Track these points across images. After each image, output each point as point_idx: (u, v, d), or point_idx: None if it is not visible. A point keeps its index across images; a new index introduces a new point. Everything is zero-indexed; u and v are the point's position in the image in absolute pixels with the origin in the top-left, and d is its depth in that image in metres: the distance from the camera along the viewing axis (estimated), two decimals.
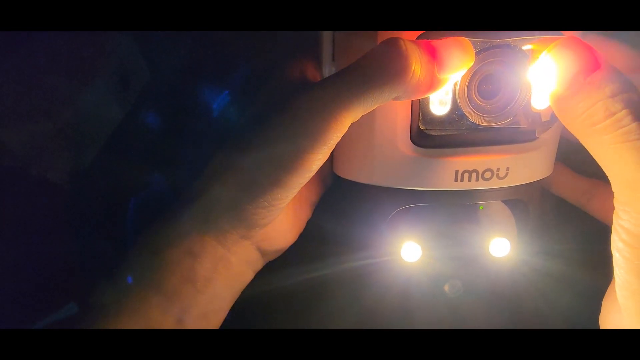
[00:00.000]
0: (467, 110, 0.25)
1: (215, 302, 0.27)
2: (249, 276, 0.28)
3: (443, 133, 0.26)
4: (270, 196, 0.24)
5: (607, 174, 0.22)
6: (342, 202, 0.31)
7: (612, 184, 0.22)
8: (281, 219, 0.27)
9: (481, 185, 0.26)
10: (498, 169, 0.26)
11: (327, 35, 0.27)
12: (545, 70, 0.22)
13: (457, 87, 0.25)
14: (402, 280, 0.30)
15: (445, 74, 0.23)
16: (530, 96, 0.25)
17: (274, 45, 0.33)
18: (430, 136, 0.26)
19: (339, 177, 0.30)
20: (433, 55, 0.23)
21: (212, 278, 0.26)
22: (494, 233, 0.29)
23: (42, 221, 0.32)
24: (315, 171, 0.24)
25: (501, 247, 0.29)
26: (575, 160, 0.30)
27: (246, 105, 0.31)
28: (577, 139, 0.22)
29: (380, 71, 0.22)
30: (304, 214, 0.30)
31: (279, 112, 0.24)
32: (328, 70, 0.27)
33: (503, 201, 0.29)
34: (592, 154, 0.22)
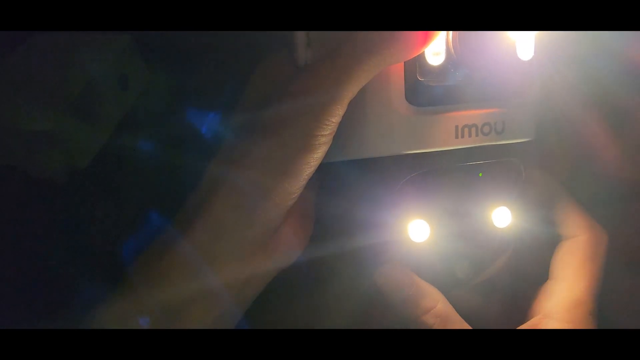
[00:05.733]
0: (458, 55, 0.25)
1: (225, 318, 0.26)
2: (260, 289, 0.27)
3: (440, 84, 0.26)
4: (282, 190, 0.24)
5: None
6: (344, 186, 0.30)
7: None
8: (290, 223, 0.27)
9: (481, 141, 0.27)
10: (495, 123, 0.27)
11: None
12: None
13: (450, 35, 0.25)
14: (411, 263, 0.29)
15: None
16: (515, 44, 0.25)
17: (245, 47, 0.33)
18: (426, 93, 0.26)
19: (334, 163, 0.28)
20: None
21: (225, 295, 0.25)
22: (496, 202, 0.29)
23: (41, 221, 0.31)
24: (323, 154, 0.24)
25: (503, 216, 0.29)
26: None
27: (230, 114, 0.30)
28: None
29: (376, 37, 0.23)
30: (310, 217, 0.29)
31: (277, 99, 0.24)
32: (304, 56, 0.26)
33: (503, 168, 0.29)
34: None
